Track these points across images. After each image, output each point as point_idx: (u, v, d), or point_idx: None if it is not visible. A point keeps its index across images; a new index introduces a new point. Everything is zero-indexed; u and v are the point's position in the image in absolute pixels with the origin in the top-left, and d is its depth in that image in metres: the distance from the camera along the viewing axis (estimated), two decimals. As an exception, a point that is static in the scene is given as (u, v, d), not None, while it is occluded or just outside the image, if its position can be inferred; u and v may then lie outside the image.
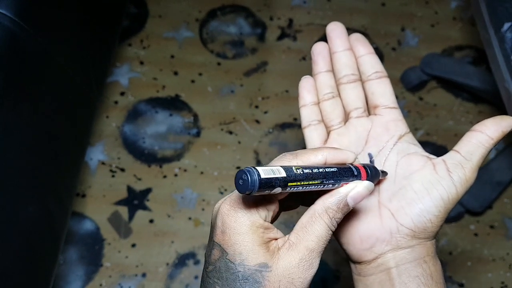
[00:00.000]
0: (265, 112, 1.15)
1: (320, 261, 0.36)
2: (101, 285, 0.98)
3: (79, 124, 0.88)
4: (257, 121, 1.14)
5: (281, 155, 0.37)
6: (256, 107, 1.16)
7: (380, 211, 0.41)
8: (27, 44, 0.70)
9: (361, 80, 0.46)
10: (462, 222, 1.07)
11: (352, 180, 0.37)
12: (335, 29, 0.46)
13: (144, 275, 0.99)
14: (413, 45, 1.25)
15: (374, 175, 0.40)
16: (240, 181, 0.31)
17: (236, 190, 0.35)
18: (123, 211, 1.04)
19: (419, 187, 0.40)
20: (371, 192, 0.38)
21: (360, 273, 0.42)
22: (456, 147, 0.41)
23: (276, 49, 1.23)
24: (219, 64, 1.20)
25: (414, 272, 0.39)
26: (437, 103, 1.19)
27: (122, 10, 1.06)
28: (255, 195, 0.32)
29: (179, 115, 1.14)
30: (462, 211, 1.04)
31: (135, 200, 1.05)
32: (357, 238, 0.41)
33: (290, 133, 1.13)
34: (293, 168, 0.33)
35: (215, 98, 1.16)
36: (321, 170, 0.35)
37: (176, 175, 1.08)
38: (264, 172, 0.31)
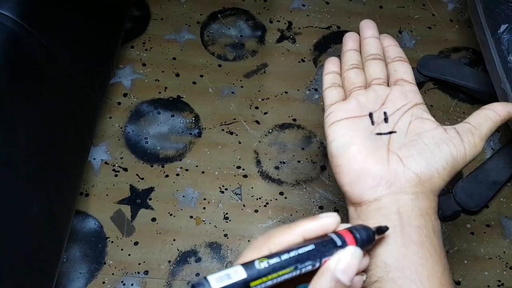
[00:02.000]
0: (265, 113, 1.17)
1: None
2: (104, 282, 0.99)
3: (82, 124, 0.89)
4: (257, 122, 1.16)
5: (251, 241, 0.33)
6: (256, 108, 1.17)
7: (389, 156, 0.42)
8: (29, 45, 0.70)
9: (386, 62, 0.50)
10: (458, 221, 1.08)
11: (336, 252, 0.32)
12: (367, 22, 0.51)
13: (146, 272, 1.00)
14: (410, 47, 1.27)
15: (366, 239, 0.34)
16: None
17: None
18: (126, 210, 1.06)
19: (430, 141, 0.42)
20: (367, 262, 0.35)
21: (359, 215, 0.41)
22: (466, 120, 0.44)
23: (275, 51, 1.24)
24: (219, 66, 1.22)
25: (417, 222, 0.39)
26: (434, 104, 1.20)
27: (125, 13, 1.08)
28: None
29: (180, 116, 1.16)
30: (458, 210, 1.05)
31: (138, 199, 1.07)
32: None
33: (289, 134, 1.15)
34: (256, 262, 0.29)
35: (216, 99, 1.18)
36: (292, 254, 0.30)
37: (178, 174, 1.09)
38: (218, 279, 0.28)
